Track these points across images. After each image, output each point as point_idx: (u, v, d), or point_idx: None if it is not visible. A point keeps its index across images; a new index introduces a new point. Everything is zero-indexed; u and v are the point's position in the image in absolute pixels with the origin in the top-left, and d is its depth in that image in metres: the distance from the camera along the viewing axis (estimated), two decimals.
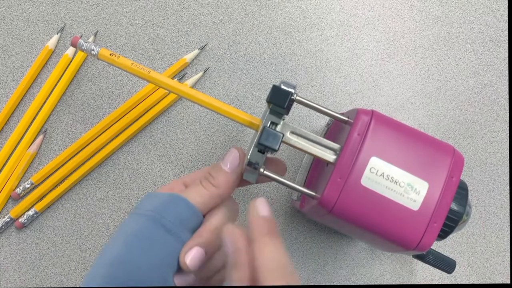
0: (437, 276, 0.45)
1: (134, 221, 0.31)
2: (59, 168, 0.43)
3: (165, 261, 0.30)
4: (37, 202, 0.42)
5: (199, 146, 0.45)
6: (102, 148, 0.43)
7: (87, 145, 0.43)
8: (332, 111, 0.34)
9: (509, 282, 0.45)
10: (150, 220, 0.30)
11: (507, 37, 0.49)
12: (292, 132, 0.33)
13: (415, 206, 0.31)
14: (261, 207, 0.28)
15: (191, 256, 0.30)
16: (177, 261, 0.30)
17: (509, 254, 0.45)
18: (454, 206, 0.33)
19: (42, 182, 0.43)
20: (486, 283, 0.45)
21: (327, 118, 0.44)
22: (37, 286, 0.42)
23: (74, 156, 0.43)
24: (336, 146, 0.33)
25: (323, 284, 0.44)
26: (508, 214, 0.46)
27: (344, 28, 0.48)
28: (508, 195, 0.46)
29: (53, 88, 0.44)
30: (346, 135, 0.32)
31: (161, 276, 0.29)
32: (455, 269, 0.40)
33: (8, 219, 0.42)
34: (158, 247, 0.29)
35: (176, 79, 0.45)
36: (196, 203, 0.31)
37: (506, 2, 0.50)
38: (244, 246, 0.27)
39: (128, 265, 0.29)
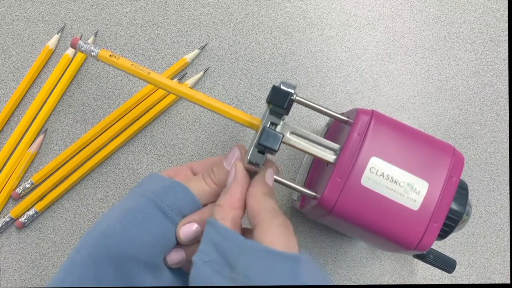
0: (437, 276, 0.45)
1: (133, 199, 0.32)
2: (59, 168, 0.43)
3: (158, 240, 0.30)
4: (37, 202, 0.42)
5: (199, 146, 0.45)
6: (102, 148, 0.43)
7: (87, 145, 0.43)
8: (332, 111, 0.34)
9: (509, 282, 0.45)
10: (148, 201, 0.31)
11: (507, 37, 0.49)
12: (292, 133, 0.33)
13: (415, 206, 0.31)
14: (268, 176, 0.32)
15: (188, 229, 0.31)
16: (169, 243, 0.31)
17: (509, 254, 0.45)
18: (454, 206, 0.33)
19: (42, 182, 0.43)
20: (486, 283, 0.45)
21: (327, 118, 0.44)
22: (37, 286, 0.42)
23: (74, 156, 0.43)
24: (336, 146, 0.33)
25: None
26: (508, 214, 0.46)
27: (344, 28, 0.48)
28: (508, 195, 0.46)
29: (54, 88, 0.44)
30: (346, 135, 0.32)
31: (152, 254, 0.30)
32: (455, 269, 0.40)
33: (8, 219, 0.42)
34: (153, 227, 0.30)
35: (176, 79, 0.45)
36: (196, 195, 0.32)
37: (506, 2, 0.50)
38: (242, 179, 0.31)
39: (121, 238, 0.29)
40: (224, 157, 0.34)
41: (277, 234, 0.27)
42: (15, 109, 0.44)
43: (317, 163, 0.40)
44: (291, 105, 0.33)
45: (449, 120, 0.47)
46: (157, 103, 0.44)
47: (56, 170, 0.43)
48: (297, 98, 0.33)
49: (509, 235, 0.46)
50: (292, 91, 0.32)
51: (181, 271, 0.33)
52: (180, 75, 0.45)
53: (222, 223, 0.28)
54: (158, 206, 0.31)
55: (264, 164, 0.32)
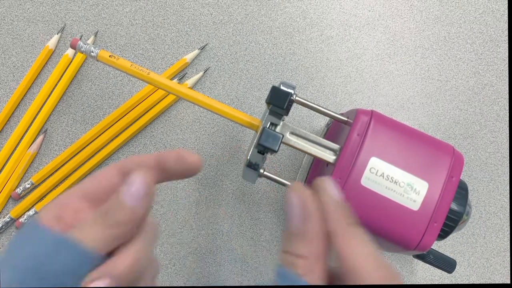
0: (437, 276, 0.45)
1: (8, 275, 0.21)
2: (59, 168, 0.43)
3: None
4: (37, 202, 0.42)
5: (199, 146, 0.45)
6: (102, 148, 0.43)
7: (87, 145, 0.43)
8: (332, 111, 0.34)
9: (509, 282, 0.45)
10: (30, 278, 0.22)
11: (507, 37, 0.49)
12: (292, 133, 0.33)
13: (415, 206, 0.31)
14: (331, 189, 0.24)
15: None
16: None
17: (509, 254, 0.45)
18: (454, 206, 0.33)
19: (42, 182, 0.43)
20: (486, 283, 0.45)
21: (327, 118, 0.44)
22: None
23: (74, 156, 0.43)
24: (335, 146, 0.33)
25: None
26: (508, 214, 0.46)
27: (344, 28, 0.48)
28: (508, 195, 0.46)
29: (54, 88, 0.44)
30: (345, 135, 0.32)
31: None
32: (455, 269, 0.40)
33: (8, 219, 0.42)
34: None
35: (176, 79, 0.45)
36: (93, 246, 0.22)
37: (506, 2, 0.49)
38: (317, 212, 0.22)
39: None
40: (123, 182, 0.23)
41: None
42: (15, 109, 0.44)
43: (317, 164, 0.40)
44: (290, 105, 0.33)
45: (449, 120, 0.47)
46: (157, 104, 0.44)
47: (56, 170, 0.43)
48: (297, 98, 0.33)
49: (509, 235, 0.46)
50: (292, 91, 0.32)
51: None
52: (180, 75, 0.45)
53: (308, 281, 0.21)
54: (42, 279, 0.21)
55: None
